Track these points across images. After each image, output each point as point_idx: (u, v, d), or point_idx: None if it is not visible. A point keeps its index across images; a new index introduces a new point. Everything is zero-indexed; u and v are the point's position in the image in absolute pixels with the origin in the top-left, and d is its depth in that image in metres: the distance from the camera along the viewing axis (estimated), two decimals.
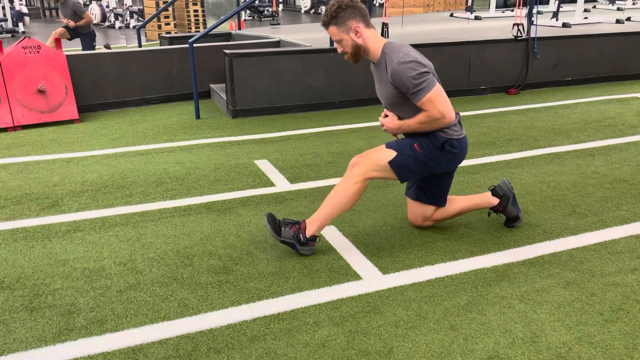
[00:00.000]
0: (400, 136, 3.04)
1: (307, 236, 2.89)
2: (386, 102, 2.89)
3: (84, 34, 8.46)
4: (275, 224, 2.89)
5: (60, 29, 8.30)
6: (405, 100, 2.77)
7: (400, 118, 2.88)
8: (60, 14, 8.46)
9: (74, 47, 9.18)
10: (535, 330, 2.33)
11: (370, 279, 2.74)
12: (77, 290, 2.66)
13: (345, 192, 2.83)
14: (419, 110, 2.76)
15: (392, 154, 2.84)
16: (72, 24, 8.21)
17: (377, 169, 2.84)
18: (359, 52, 2.80)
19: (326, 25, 2.77)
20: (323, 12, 2.76)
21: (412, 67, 2.66)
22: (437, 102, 2.68)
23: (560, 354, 2.18)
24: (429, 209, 3.13)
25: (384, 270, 2.81)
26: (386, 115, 2.94)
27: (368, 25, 2.77)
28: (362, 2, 2.78)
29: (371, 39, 2.78)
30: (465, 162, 4.37)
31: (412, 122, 2.79)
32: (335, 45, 2.84)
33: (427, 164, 2.87)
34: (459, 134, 2.88)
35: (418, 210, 3.16)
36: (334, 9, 2.72)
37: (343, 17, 2.71)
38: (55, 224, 3.39)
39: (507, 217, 3.23)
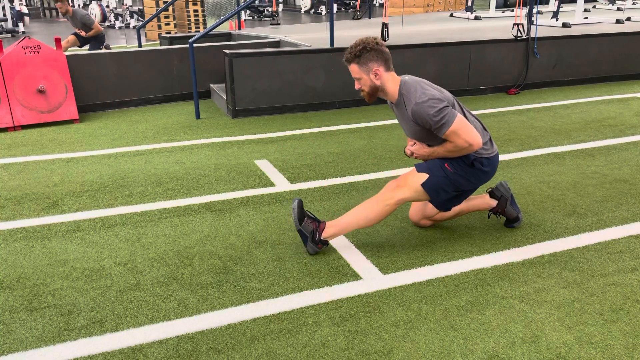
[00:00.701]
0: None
1: (322, 238, 2.92)
2: (414, 137, 2.95)
3: (94, 36, 8.59)
4: (302, 212, 2.94)
5: (71, 37, 8.45)
6: (432, 133, 2.82)
7: (429, 145, 2.93)
8: (72, 25, 8.63)
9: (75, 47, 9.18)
10: (535, 330, 2.33)
11: (370, 279, 2.74)
12: (77, 290, 2.66)
13: (374, 210, 2.88)
14: (445, 139, 2.82)
15: (424, 176, 2.88)
16: (83, 34, 8.40)
17: (413, 195, 2.90)
18: (375, 92, 2.87)
19: (348, 62, 2.84)
20: (347, 49, 2.85)
21: (430, 105, 2.70)
22: (462, 133, 2.73)
23: (560, 354, 2.18)
24: (430, 208, 3.15)
25: (384, 270, 2.81)
26: (414, 144, 2.99)
27: (388, 69, 2.84)
28: (382, 44, 2.82)
29: (389, 81, 2.84)
30: None
31: (442, 150, 2.86)
32: (354, 81, 2.90)
33: (458, 182, 2.91)
34: (489, 153, 2.91)
35: (419, 206, 3.19)
36: (359, 49, 2.78)
37: (366, 59, 2.78)
38: (55, 224, 3.39)
39: (507, 218, 3.23)
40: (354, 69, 2.84)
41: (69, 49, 8.58)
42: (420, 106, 2.72)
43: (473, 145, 2.76)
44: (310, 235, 2.92)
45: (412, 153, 2.99)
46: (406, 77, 2.89)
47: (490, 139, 2.96)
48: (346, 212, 3.47)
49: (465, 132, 2.74)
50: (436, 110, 2.70)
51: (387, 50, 2.82)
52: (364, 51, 2.77)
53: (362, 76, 2.83)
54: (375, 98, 2.91)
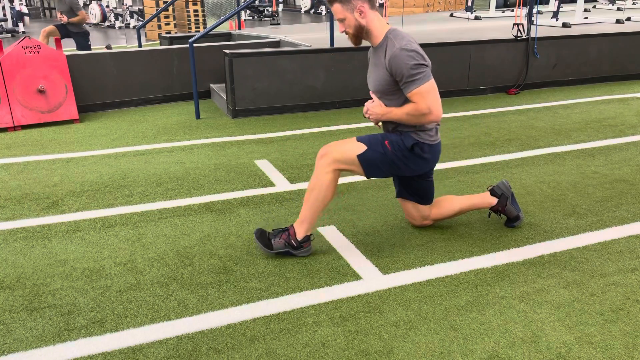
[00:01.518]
0: (379, 130, 2.98)
1: (299, 239, 2.89)
2: (376, 88, 2.82)
3: (76, 33, 8.27)
4: (265, 239, 2.90)
5: (50, 27, 8.13)
6: (396, 89, 2.73)
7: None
8: (56, 8, 8.28)
9: (71, 47, 9.18)
10: (535, 330, 2.33)
11: (370, 279, 2.74)
12: (77, 290, 2.66)
13: (319, 187, 2.79)
14: (406, 102, 2.73)
15: (362, 147, 2.79)
16: (65, 19, 8.04)
17: (345, 161, 2.78)
18: (361, 33, 2.76)
19: (331, 2, 2.73)
20: None
21: (413, 56, 2.62)
22: (428, 96, 2.65)
23: (560, 354, 2.18)
24: (422, 209, 3.13)
25: (384, 270, 2.81)
26: (372, 101, 2.87)
27: (373, 7, 2.73)
28: None
29: (375, 21, 2.74)
30: (465, 162, 4.37)
31: (399, 112, 2.73)
32: (338, 24, 2.79)
33: (395, 164, 2.83)
34: (432, 140, 2.84)
35: (411, 210, 3.16)
36: None
37: None
38: (55, 224, 3.39)
39: (508, 217, 3.23)
40: (337, 8, 2.71)
41: (51, 37, 8.13)
42: (402, 52, 2.61)
43: (433, 113, 2.67)
44: (289, 246, 2.89)
45: (367, 110, 2.85)
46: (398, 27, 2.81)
47: (436, 128, 2.88)
48: (346, 211, 3.48)
49: (431, 97, 2.65)
50: (416, 63, 2.62)
51: None
52: None
53: (346, 15, 2.71)
54: (361, 41, 2.80)
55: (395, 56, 2.63)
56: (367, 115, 2.86)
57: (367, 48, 2.95)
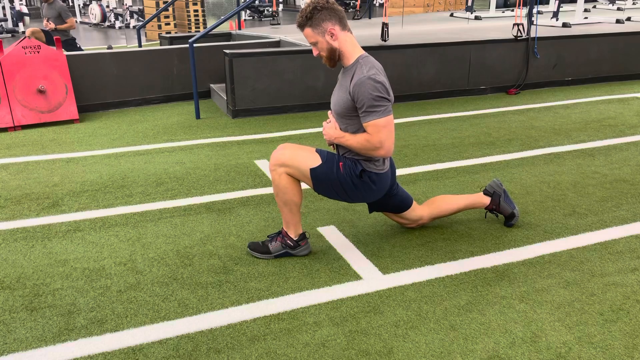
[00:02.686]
0: (332, 150, 2.96)
1: (294, 238, 2.90)
2: (336, 109, 2.77)
3: (64, 40, 7.83)
4: (259, 247, 2.92)
5: (35, 28, 7.81)
6: (354, 115, 2.67)
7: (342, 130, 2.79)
8: (43, 14, 7.94)
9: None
10: (535, 330, 2.33)
11: (370, 279, 2.74)
12: (77, 290, 2.66)
13: (282, 191, 2.76)
14: (362, 130, 2.68)
15: (317, 160, 2.75)
16: (52, 26, 7.78)
17: (295, 168, 2.74)
18: (334, 56, 2.70)
19: (301, 26, 2.68)
20: (298, 13, 2.70)
21: (378, 88, 2.56)
22: (383, 131, 2.59)
23: (560, 354, 2.18)
24: (406, 215, 3.10)
25: (384, 270, 2.81)
26: (329, 122, 2.84)
27: (344, 27, 2.67)
28: (339, 4, 2.69)
29: (347, 42, 2.67)
30: (465, 162, 4.37)
31: (351, 139, 2.68)
32: (312, 49, 2.75)
33: (343, 188, 2.77)
34: (379, 169, 2.79)
35: (397, 219, 3.15)
36: (309, 9, 2.62)
37: (318, 19, 2.61)
38: (55, 224, 3.39)
39: (504, 216, 3.24)
40: (308, 33, 2.67)
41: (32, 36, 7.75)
42: (368, 81, 2.56)
43: (384, 148, 2.62)
44: (287, 247, 2.90)
45: (323, 129, 2.83)
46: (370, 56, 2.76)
47: (384, 159, 2.82)
48: (346, 211, 3.48)
49: (386, 132, 2.60)
50: (379, 96, 2.57)
51: (340, 8, 2.67)
52: (315, 11, 2.61)
53: (318, 39, 2.66)
54: (335, 63, 2.75)
55: (360, 83, 2.57)
56: (323, 132, 2.83)
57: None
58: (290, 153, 2.75)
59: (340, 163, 2.76)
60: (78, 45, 8.34)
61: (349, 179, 2.76)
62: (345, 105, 2.68)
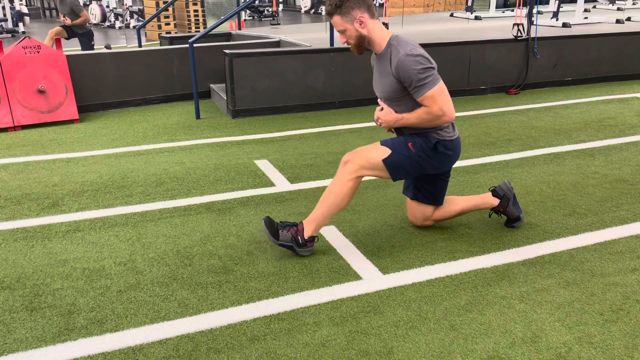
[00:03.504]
0: (392, 134, 3.01)
1: (305, 238, 2.89)
2: (385, 96, 2.83)
3: (81, 33, 8.40)
4: (273, 228, 2.89)
5: (57, 28, 8.27)
6: (405, 95, 2.74)
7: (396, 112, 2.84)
8: (59, 10, 8.42)
9: (74, 47, 9.18)
10: (535, 330, 2.33)
11: (370, 279, 2.74)
12: (77, 290, 2.66)
13: (339, 191, 2.81)
14: (417, 106, 2.74)
15: (386, 152, 2.81)
16: (68, 21, 8.16)
17: (370, 167, 2.80)
18: (363, 43, 2.76)
19: (330, 14, 2.72)
20: (327, 1, 2.74)
21: (419, 61, 2.63)
22: (439, 98, 2.67)
23: (560, 354, 2.18)
24: (428, 209, 3.13)
25: (384, 270, 2.81)
26: (382, 109, 2.88)
27: (373, 15, 2.72)
28: None
29: (376, 30, 2.74)
30: (465, 162, 4.37)
31: (411, 117, 2.75)
32: (339, 35, 2.79)
33: (420, 164, 2.85)
34: (451, 135, 2.86)
35: (417, 210, 3.16)
36: None
37: (347, 7, 2.67)
38: (55, 224, 3.39)
39: (508, 218, 3.23)
40: (337, 20, 2.71)
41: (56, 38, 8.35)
42: (408, 58, 2.62)
43: (446, 115, 2.68)
44: (294, 242, 2.89)
45: (378, 119, 2.87)
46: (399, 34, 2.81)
47: (452, 123, 2.89)
48: (346, 211, 3.48)
49: (442, 99, 2.67)
50: (423, 67, 2.63)
51: None
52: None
53: (347, 27, 2.71)
54: (363, 50, 2.80)
55: (401, 62, 2.64)
56: (378, 123, 2.88)
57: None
58: (363, 154, 2.80)
59: (409, 143, 2.81)
60: (92, 42, 8.47)
61: (424, 154, 2.82)
62: (393, 89, 2.73)
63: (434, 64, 2.71)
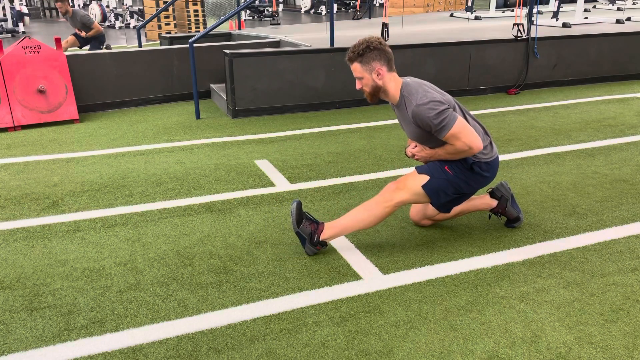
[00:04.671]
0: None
1: (320, 239, 2.91)
2: (414, 138, 2.94)
3: (96, 37, 8.61)
4: (300, 215, 2.93)
5: (71, 38, 8.46)
6: (432, 135, 2.80)
7: (430, 147, 2.92)
8: (71, 25, 8.66)
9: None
10: (535, 330, 2.33)
11: (370, 279, 2.74)
12: (77, 290, 2.66)
13: (374, 214, 2.86)
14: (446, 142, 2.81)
15: (425, 178, 2.87)
16: (84, 34, 8.41)
17: (415, 197, 2.88)
18: (377, 93, 2.84)
19: (351, 60, 2.81)
20: (350, 48, 2.84)
21: (431, 108, 2.69)
22: (462, 136, 2.72)
23: (560, 354, 2.18)
24: (430, 209, 3.15)
25: (384, 270, 2.81)
26: (415, 146, 2.98)
27: (391, 69, 2.81)
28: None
29: (391, 82, 2.82)
30: None
31: (443, 152, 2.84)
32: (357, 81, 2.87)
33: (459, 185, 2.89)
34: (488, 157, 2.90)
35: (422, 209, 3.19)
36: (362, 47, 2.75)
37: (369, 57, 2.75)
38: (55, 224, 3.39)
39: (508, 218, 3.23)
40: (356, 68, 2.81)
41: (69, 49, 8.60)
42: (420, 108, 2.71)
43: (473, 148, 2.75)
44: (309, 237, 2.90)
45: (414, 155, 2.98)
46: (408, 79, 2.88)
47: (490, 143, 2.95)
48: (346, 212, 3.48)
49: (465, 135, 2.72)
50: (436, 113, 2.69)
51: (390, 50, 2.81)
52: (367, 50, 2.75)
53: (365, 75, 2.80)
54: (377, 99, 2.89)
55: (416, 114, 2.73)
56: (415, 159, 2.99)
57: None
58: (408, 187, 2.86)
59: (446, 166, 2.88)
60: (101, 47, 8.63)
61: (461, 175, 2.87)
62: (420, 134, 2.85)
63: (447, 102, 2.77)
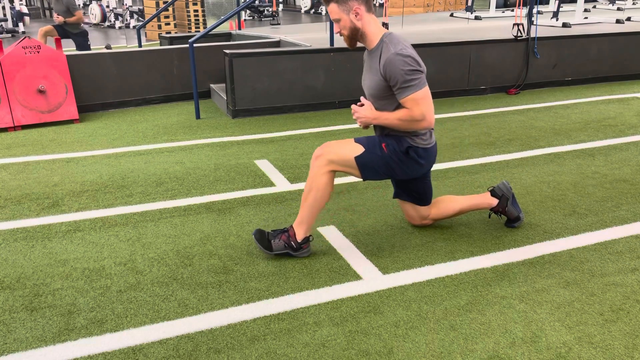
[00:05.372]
0: (369, 132, 2.96)
1: (298, 241, 2.88)
2: (370, 92, 2.80)
3: (76, 34, 8.36)
4: (265, 240, 2.90)
5: (48, 27, 8.20)
6: (390, 94, 2.70)
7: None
8: (53, 9, 8.42)
9: (69, 48, 9.17)
10: (535, 330, 2.33)
11: (370, 279, 2.74)
12: (77, 290, 2.66)
13: (316, 188, 2.77)
14: (399, 107, 2.71)
15: (359, 149, 2.77)
16: (61, 19, 8.12)
17: (341, 162, 2.76)
18: (356, 35, 2.72)
19: (327, 1, 2.69)
20: None
21: (408, 62, 2.59)
22: (422, 103, 2.63)
23: (560, 354, 2.18)
24: (421, 209, 3.12)
25: (384, 270, 2.81)
26: (362, 105, 2.84)
27: (369, 9, 2.69)
28: None
29: (371, 24, 2.70)
30: (465, 162, 4.37)
31: (391, 117, 2.71)
32: (334, 25, 2.76)
33: (391, 167, 2.81)
34: (426, 143, 2.81)
35: (410, 210, 3.16)
36: None
37: None
38: (55, 224, 3.39)
39: (508, 218, 3.23)
40: (333, 8, 2.68)
41: (48, 38, 8.27)
42: (397, 57, 2.58)
43: (426, 120, 2.65)
44: (289, 247, 2.88)
45: (355, 112, 2.80)
46: (394, 32, 2.78)
47: (431, 132, 2.86)
48: (346, 211, 3.48)
49: (425, 104, 2.63)
50: (411, 69, 2.59)
51: None
52: None
53: (342, 16, 2.67)
54: (356, 43, 2.76)
55: (390, 61, 2.60)
56: (355, 117, 2.83)
57: (364, 48, 2.94)
58: (334, 149, 2.77)
59: (383, 144, 2.78)
60: (89, 43, 8.45)
61: (395, 157, 2.78)
62: (379, 87, 2.70)
63: (423, 68, 2.67)
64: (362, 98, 2.86)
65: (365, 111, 2.78)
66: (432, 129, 2.84)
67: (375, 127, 2.89)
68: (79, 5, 20.87)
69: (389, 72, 2.62)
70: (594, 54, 7.30)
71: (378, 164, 2.79)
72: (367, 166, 2.79)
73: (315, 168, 2.78)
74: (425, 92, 2.64)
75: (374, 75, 2.73)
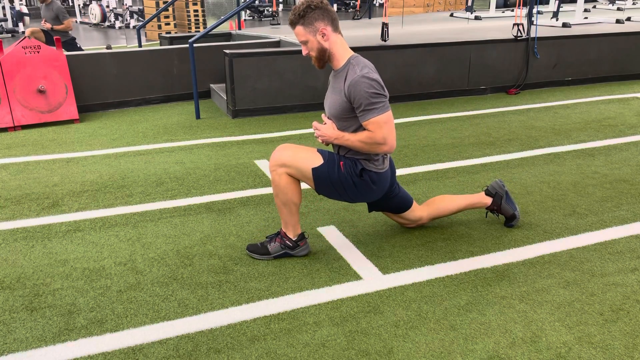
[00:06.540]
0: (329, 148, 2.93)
1: (293, 239, 2.89)
2: (332, 112, 2.75)
3: (63, 41, 7.96)
4: (259, 248, 2.92)
5: (36, 28, 7.96)
6: (351, 116, 2.67)
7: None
8: (42, 15, 8.16)
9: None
10: (535, 330, 2.33)
11: (370, 279, 2.74)
12: (77, 290, 2.66)
13: (282, 191, 2.75)
14: (360, 129, 2.68)
15: (318, 161, 2.73)
16: (48, 26, 7.94)
17: (296, 168, 2.72)
18: (324, 56, 2.69)
19: (293, 24, 2.67)
20: (291, 11, 2.69)
21: (373, 85, 2.56)
22: (385, 126, 2.59)
23: (560, 354, 2.18)
24: (406, 215, 3.11)
25: (384, 270, 2.81)
26: (324, 124, 2.78)
27: (336, 29, 2.67)
28: (339, 5, 2.69)
29: (337, 44, 2.66)
30: (465, 162, 4.37)
31: (352, 138, 2.66)
32: (302, 47, 2.73)
33: (344, 187, 2.77)
34: (379, 169, 2.78)
35: (398, 219, 3.16)
36: (303, 8, 2.61)
37: (311, 18, 2.60)
38: (55, 224, 3.39)
39: (506, 217, 3.24)
40: (299, 31, 2.65)
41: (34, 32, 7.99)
42: (363, 80, 2.55)
43: (387, 145, 2.62)
44: (286, 247, 2.89)
45: (317, 130, 2.75)
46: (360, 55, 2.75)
47: (384, 157, 2.81)
48: (346, 211, 3.48)
49: (388, 128, 2.59)
50: (375, 93, 2.56)
51: (333, 9, 2.67)
52: (309, 10, 2.60)
53: (309, 38, 2.64)
54: (325, 64, 2.73)
55: (355, 82, 2.56)
56: (316, 135, 2.79)
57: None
58: (291, 153, 2.74)
59: (341, 162, 2.76)
60: (78, 45, 8.37)
61: (350, 178, 2.75)
62: (341, 107, 2.67)
63: (387, 93, 2.63)
64: (323, 116, 2.83)
65: (327, 130, 2.74)
66: (389, 154, 2.82)
67: (334, 146, 2.85)
68: (79, 5, 20.86)
69: (353, 94, 2.58)
70: (594, 54, 7.30)
71: (333, 182, 2.75)
72: (322, 180, 2.75)
73: (272, 172, 2.76)
74: (388, 116, 2.60)
75: (337, 96, 2.69)
